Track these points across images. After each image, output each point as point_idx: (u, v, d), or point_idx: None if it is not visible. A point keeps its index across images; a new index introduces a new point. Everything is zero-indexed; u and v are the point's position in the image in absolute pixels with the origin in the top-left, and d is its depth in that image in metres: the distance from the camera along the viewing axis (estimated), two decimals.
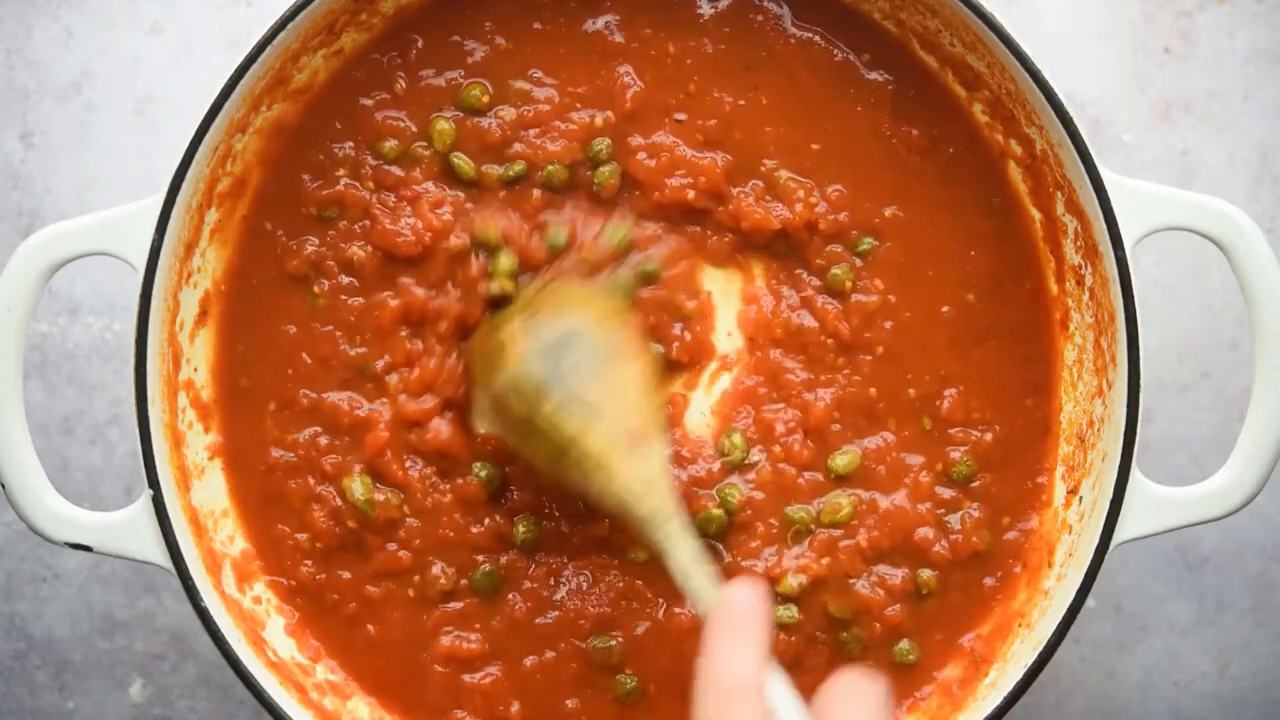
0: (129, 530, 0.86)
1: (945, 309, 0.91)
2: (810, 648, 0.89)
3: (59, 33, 1.03)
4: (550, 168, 0.90)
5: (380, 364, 0.90)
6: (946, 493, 0.90)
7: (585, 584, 0.90)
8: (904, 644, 0.90)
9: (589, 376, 0.81)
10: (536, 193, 0.90)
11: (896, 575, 0.90)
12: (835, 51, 0.91)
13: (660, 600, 0.90)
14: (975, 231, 0.91)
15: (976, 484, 0.91)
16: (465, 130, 0.91)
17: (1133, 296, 0.85)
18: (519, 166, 0.90)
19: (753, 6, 0.91)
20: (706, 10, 0.91)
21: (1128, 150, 1.03)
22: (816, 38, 0.91)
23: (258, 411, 0.91)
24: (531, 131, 0.90)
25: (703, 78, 0.91)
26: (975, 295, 0.91)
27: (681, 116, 0.90)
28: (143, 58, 1.03)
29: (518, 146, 0.90)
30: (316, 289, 0.91)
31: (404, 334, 0.90)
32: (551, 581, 0.90)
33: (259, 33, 0.86)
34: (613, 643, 0.89)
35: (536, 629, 0.90)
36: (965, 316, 0.91)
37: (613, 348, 0.83)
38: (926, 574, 0.90)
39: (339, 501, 0.90)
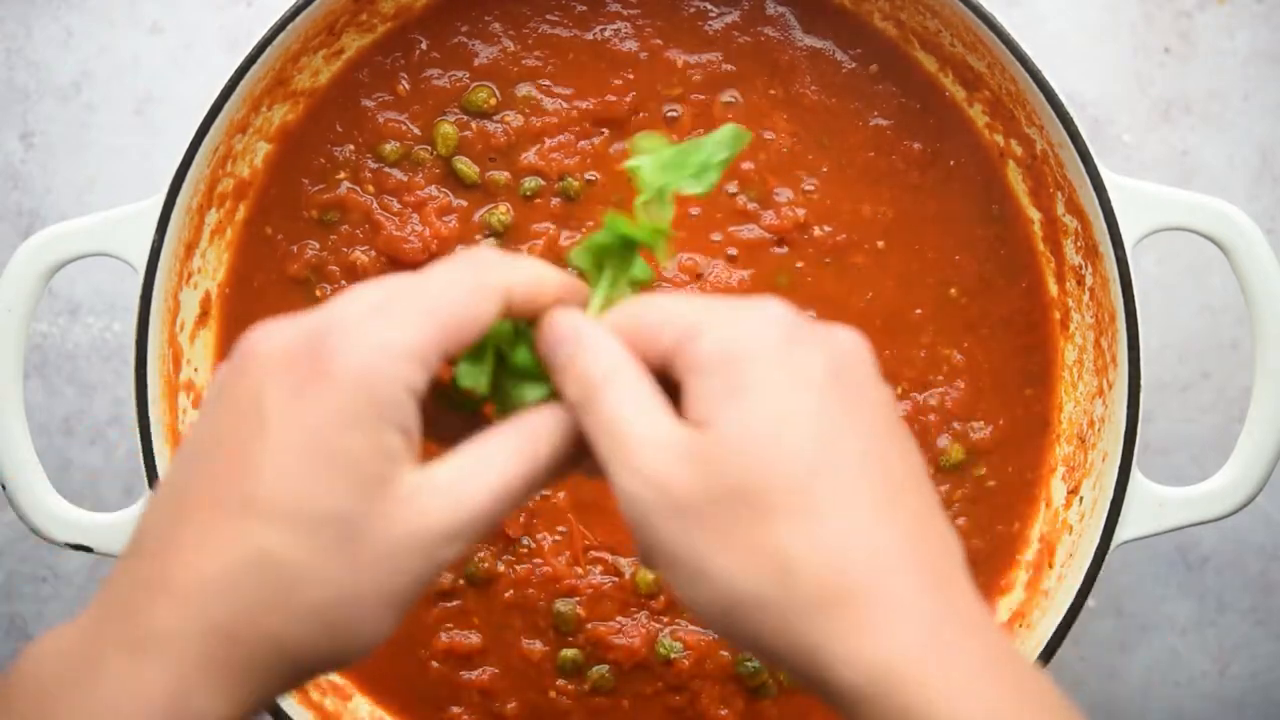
0: (129, 531, 0.85)
1: (935, 303, 0.91)
2: None
3: (59, 33, 1.03)
4: (566, 180, 0.90)
5: None
6: (942, 487, 0.91)
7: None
8: None
9: None
10: (555, 201, 0.90)
11: None
12: (844, 63, 0.91)
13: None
14: (971, 238, 0.91)
15: (972, 478, 0.91)
16: (469, 134, 0.91)
17: (1133, 296, 0.85)
18: (534, 182, 0.90)
19: (762, 18, 0.91)
20: (716, 24, 0.91)
21: (1128, 150, 1.03)
22: (825, 48, 0.91)
23: None
24: (546, 143, 0.90)
25: (710, 90, 0.91)
26: (962, 291, 0.91)
27: (676, 110, 0.91)
28: (143, 58, 1.03)
29: (529, 158, 0.91)
30: (319, 293, 0.91)
31: None
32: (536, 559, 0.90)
33: (259, 33, 0.86)
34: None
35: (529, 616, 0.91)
36: (955, 309, 0.91)
37: None
38: None
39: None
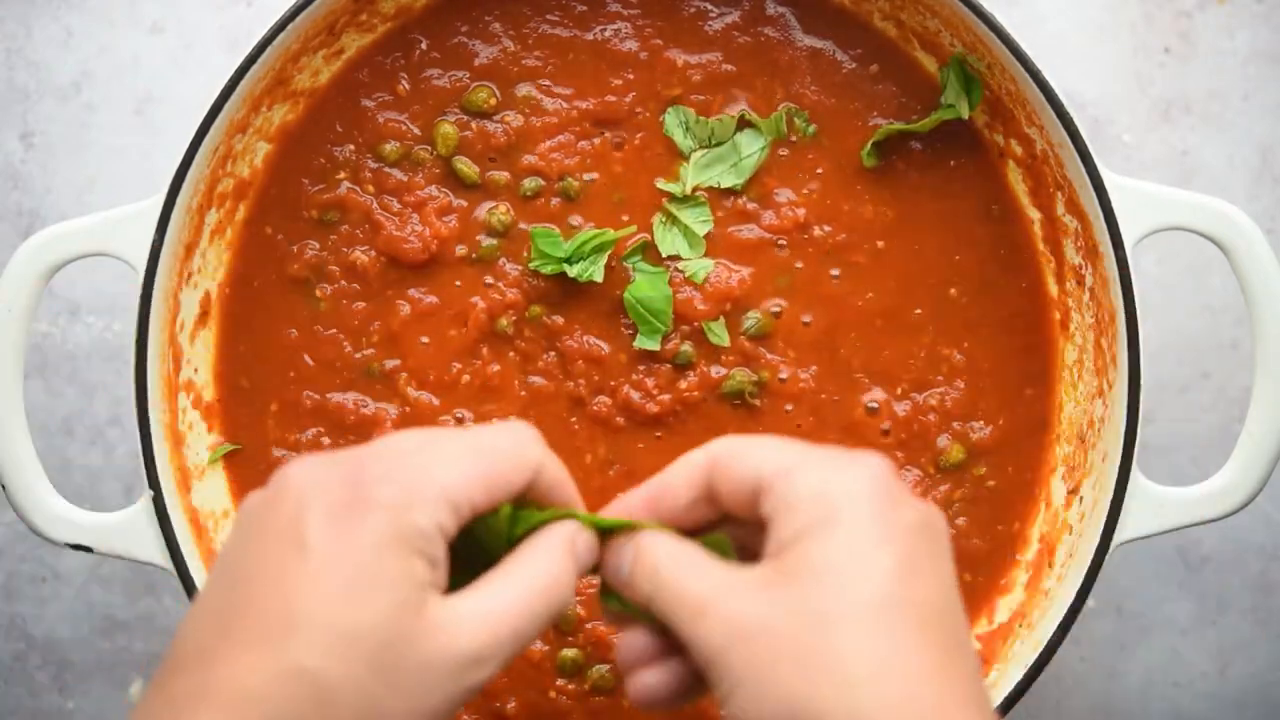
0: (129, 531, 0.86)
1: (935, 303, 0.91)
2: None
3: (59, 33, 1.03)
4: (566, 180, 0.90)
5: (390, 365, 0.90)
6: (942, 487, 0.90)
7: None
8: None
9: None
10: (555, 201, 0.90)
11: None
12: (844, 63, 0.91)
13: None
14: (971, 238, 0.91)
15: (972, 478, 0.91)
16: (469, 134, 0.91)
17: (1133, 297, 0.85)
18: (534, 182, 0.90)
19: (762, 18, 0.91)
20: (716, 24, 0.91)
21: (1128, 150, 1.03)
22: (825, 48, 0.91)
23: (259, 412, 0.91)
24: (546, 143, 0.90)
25: (710, 90, 0.91)
26: (963, 291, 0.91)
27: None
28: (143, 58, 1.03)
29: (529, 158, 0.91)
30: (319, 293, 0.91)
31: (424, 341, 0.91)
32: None
33: (259, 33, 0.86)
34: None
35: None
36: (955, 309, 0.91)
37: None
38: None
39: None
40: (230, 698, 0.59)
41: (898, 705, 0.59)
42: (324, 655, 0.59)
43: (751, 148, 0.90)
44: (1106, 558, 0.85)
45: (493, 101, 0.91)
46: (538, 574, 0.65)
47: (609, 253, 0.89)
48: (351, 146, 0.91)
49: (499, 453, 0.65)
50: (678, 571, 0.65)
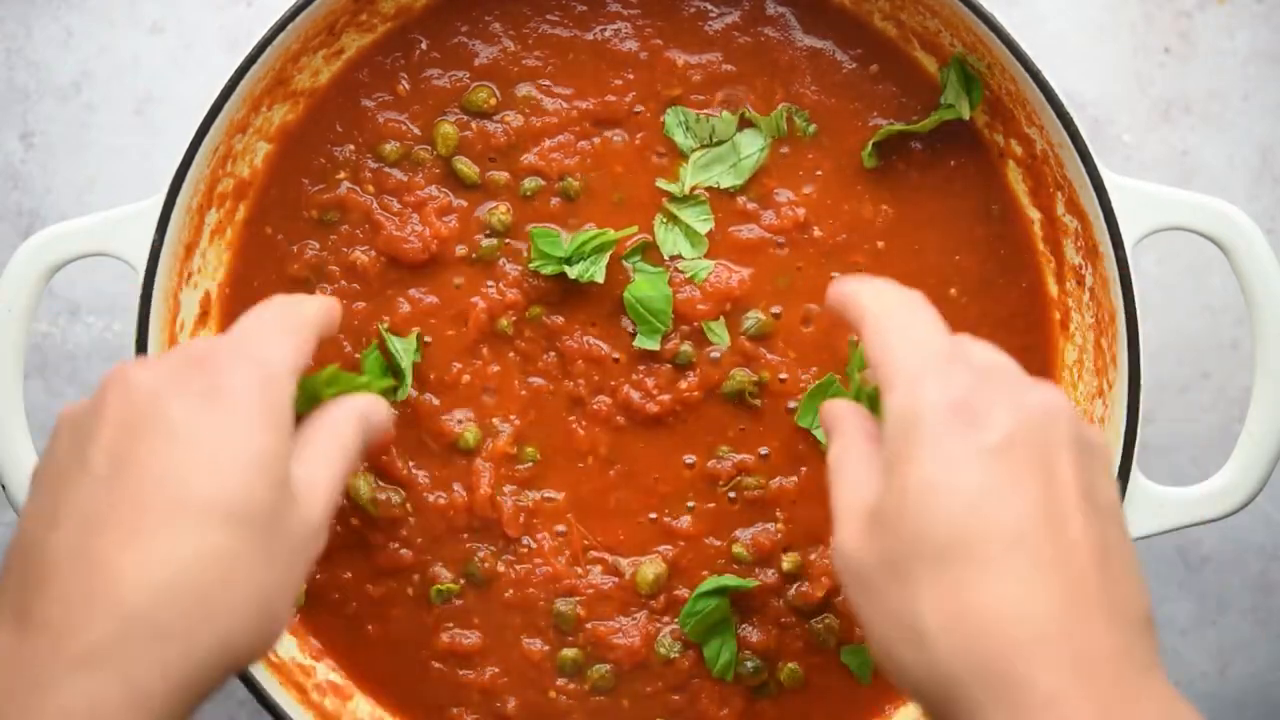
0: None
1: (935, 303, 0.91)
2: (792, 635, 0.90)
3: (59, 33, 1.03)
4: (566, 180, 0.90)
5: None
6: None
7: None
8: None
9: None
10: (555, 201, 0.90)
11: None
12: (844, 63, 0.91)
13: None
14: (971, 238, 0.91)
15: None
16: (469, 134, 0.91)
17: (1133, 297, 0.85)
18: (534, 182, 0.90)
19: (762, 18, 0.91)
20: (716, 24, 0.91)
21: (1128, 150, 1.03)
22: (825, 48, 0.91)
23: None
24: (546, 143, 0.90)
25: (710, 90, 0.91)
26: (962, 291, 0.91)
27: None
28: (143, 58, 1.03)
29: (529, 158, 0.91)
30: (319, 293, 0.91)
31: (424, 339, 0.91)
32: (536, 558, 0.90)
33: (259, 33, 0.86)
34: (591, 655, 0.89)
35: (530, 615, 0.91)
36: (955, 309, 0.91)
37: None
38: None
39: (342, 500, 0.90)
40: (136, 595, 0.58)
41: (970, 655, 0.57)
42: (222, 536, 0.60)
43: (751, 148, 0.90)
44: None
45: (493, 101, 0.91)
46: (343, 439, 0.69)
47: (609, 253, 0.89)
48: (351, 146, 0.91)
49: (301, 321, 0.70)
50: (833, 473, 0.67)
